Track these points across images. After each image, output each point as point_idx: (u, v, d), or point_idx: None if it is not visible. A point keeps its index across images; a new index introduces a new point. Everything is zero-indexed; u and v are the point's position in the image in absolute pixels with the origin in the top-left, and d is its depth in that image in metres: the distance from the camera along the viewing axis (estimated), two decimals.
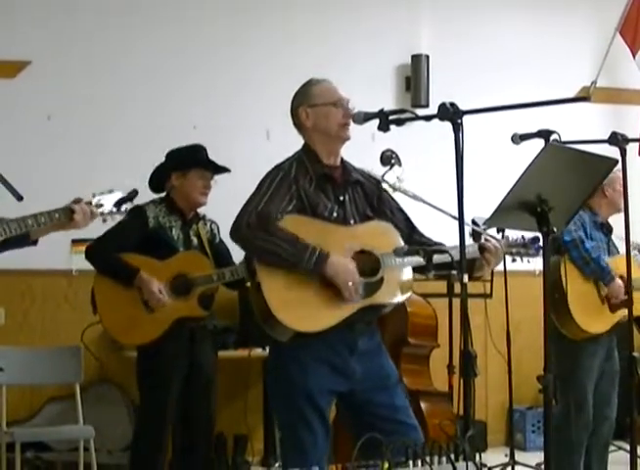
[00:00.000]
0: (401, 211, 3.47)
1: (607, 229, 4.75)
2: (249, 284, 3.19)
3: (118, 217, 3.48)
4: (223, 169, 4.50)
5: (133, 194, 3.42)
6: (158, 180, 4.54)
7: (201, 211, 4.60)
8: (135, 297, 4.30)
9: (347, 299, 3.13)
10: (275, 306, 3.08)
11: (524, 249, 3.56)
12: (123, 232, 4.37)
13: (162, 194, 4.56)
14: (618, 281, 4.51)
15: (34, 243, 3.34)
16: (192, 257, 4.45)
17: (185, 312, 4.34)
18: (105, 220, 3.39)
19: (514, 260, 3.64)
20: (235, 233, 3.18)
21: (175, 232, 4.47)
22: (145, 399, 4.45)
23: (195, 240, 4.51)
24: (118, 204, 3.37)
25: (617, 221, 4.71)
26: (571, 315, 4.44)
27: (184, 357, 4.41)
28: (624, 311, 4.51)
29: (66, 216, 3.22)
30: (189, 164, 4.46)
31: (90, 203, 3.30)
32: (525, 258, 3.60)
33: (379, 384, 3.27)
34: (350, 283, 3.12)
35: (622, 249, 4.76)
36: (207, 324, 4.53)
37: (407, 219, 3.46)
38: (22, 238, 3.24)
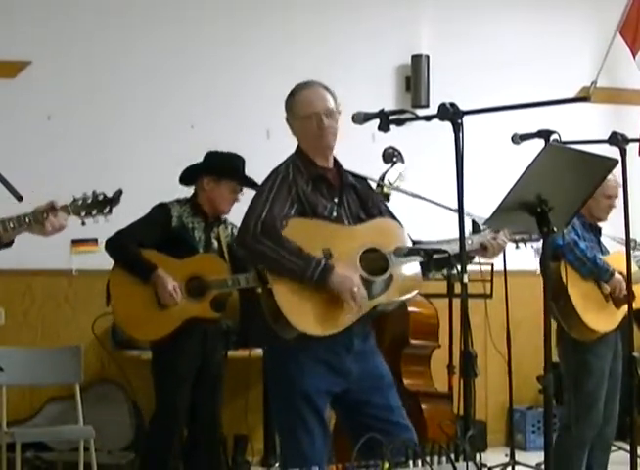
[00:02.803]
0: (390, 213, 3.48)
1: (596, 230, 4.75)
2: (260, 290, 3.20)
3: (102, 219, 3.36)
4: (252, 184, 4.44)
5: (118, 194, 3.34)
6: (190, 176, 4.56)
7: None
8: (150, 292, 4.33)
9: (352, 311, 3.14)
10: (287, 310, 3.09)
11: (527, 234, 3.57)
12: (145, 228, 4.42)
13: (187, 190, 4.59)
14: (618, 276, 4.51)
15: (8, 245, 3.26)
16: (209, 259, 4.47)
17: (196, 313, 4.36)
18: (84, 223, 3.29)
19: (517, 247, 3.65)
20: (241, 243, 3.22)
21: (197, 234, 4.50)
22: (160, 401, 4.48)
23: (215, 243, 4.54)
24: (103, 205, 3.29)
25: (617, 221, 4.71)
26: (580, 318, 4.44)
27: (196, 356, 4.44)
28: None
29: (36, 222, 3.18)
30: (225, 174, 4.48)
31: (66, 206, 3.23)
32: (528, 244, 3.61)
33: (374, 384, 3.28)
34: (354, 300, 3.12)
35: (613, 248, 4.81)
36: (222, 324, 4.57)
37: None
38: None
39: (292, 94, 3.37)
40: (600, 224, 4.77)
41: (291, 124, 3.36)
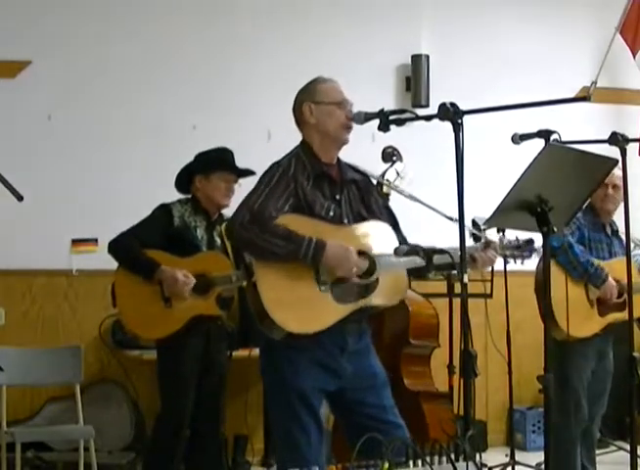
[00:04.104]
0: (388, 209, 3.49)
1: (610, 230, 4.73)
2: (245, 284, 3.20)
3: None
4: (247, 173, 4.52)
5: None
6: (183, 182, 4.60)
7: (226, 212, 4.62)
8: (155, 292, 4.33)
9: (352, 279, 3.16)
10: (271, 308, 3.08)
11: (517, 251, 3.55)
12: (147, 228, 4.44)
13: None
14: (611, 281, 4.50)
15: None
16: (213, 257, 4.48)
17: (202, 310, 4.37)
18: None
19: (507, 262, 3.63)
20: (230, 232, 3.22)
21: (200, 232, 4.52)
22: (166, 404, 4.48)
23: (218, 241, 4.56)
24: None
25: (616, 221, 4.71)
26: (555, 319, 4.41)
27: (200, 357, 4.45)
28: (614, 316, 4.53)
29: None
30: (212, 167, 4.53)
31: None
32: (518, 260, 3.59)
33: (368, 383, 3.29)
34: (353, 269, 3.15)
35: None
36: (227, 326, 4.57)
37: (393, 219, 3.46)
38: None
39: (315, 81, 3.35)
40: (618, 224, 4.72)
41: (312, 110, 3.29)
